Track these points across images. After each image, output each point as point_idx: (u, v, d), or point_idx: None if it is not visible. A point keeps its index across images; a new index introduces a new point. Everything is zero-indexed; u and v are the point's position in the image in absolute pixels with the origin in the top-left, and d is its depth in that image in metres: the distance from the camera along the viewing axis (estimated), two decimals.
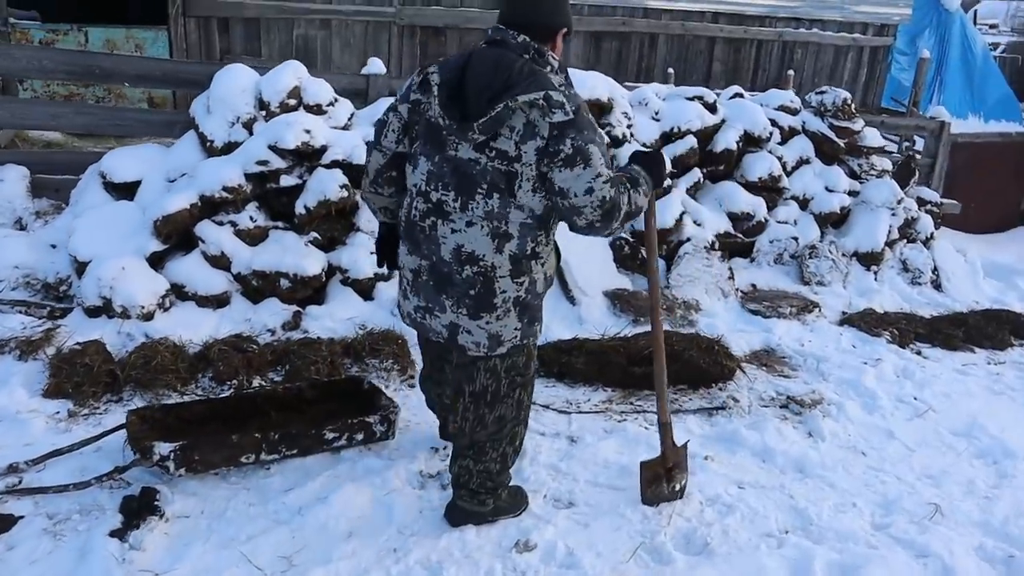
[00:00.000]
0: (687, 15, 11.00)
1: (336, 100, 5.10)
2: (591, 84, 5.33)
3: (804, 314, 5.07)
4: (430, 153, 2.59)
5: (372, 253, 3.73)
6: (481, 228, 2.54)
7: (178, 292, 4.35)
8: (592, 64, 11.02)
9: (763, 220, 5.68)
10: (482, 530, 2.91)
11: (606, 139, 2.76)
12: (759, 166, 5.71)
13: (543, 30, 2.59)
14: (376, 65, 5.60)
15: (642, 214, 2.86)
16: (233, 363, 3.79)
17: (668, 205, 5.31)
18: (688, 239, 5.26)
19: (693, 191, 5.62)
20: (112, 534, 2.73)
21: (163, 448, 2.97)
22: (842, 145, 5.95)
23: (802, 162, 5.95)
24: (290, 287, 4.43)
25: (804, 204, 5.92)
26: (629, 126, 5.53)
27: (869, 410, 4.06)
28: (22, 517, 2.82)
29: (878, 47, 11.53)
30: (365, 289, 4.66)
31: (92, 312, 4.12)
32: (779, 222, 5.77)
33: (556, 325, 4.56)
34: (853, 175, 6.06)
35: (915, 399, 4.23)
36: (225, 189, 4.41)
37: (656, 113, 5.67)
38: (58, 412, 3.43)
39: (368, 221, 4.78)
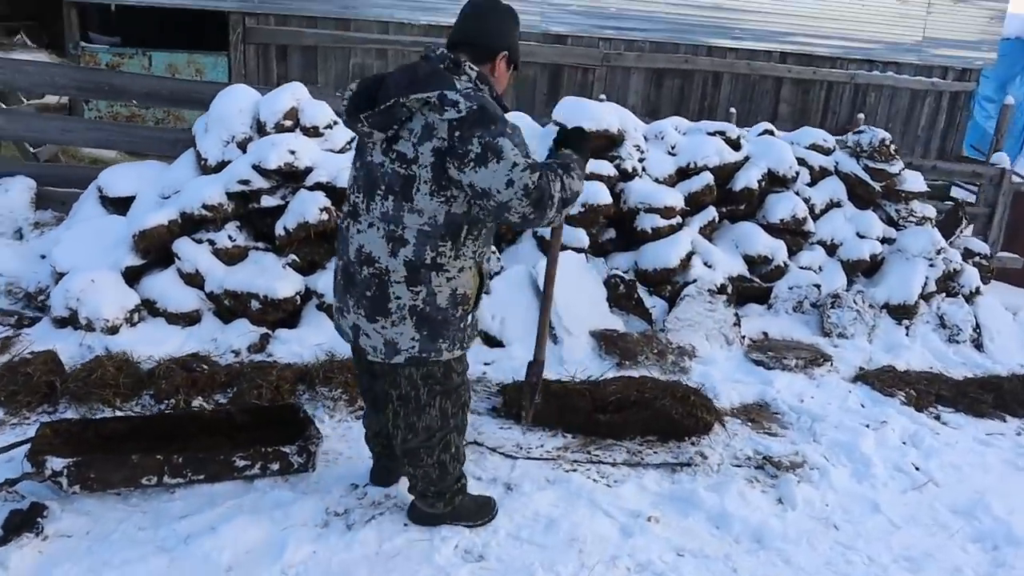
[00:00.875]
0: (753, 54, 10.64)
1: (336, 123, 5.05)
2: (599, 114, 5.11)
3: (812, 367, 4.63)
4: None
5: None
6: (378, 230, 2.58)
7: (150, 308, 4.34)
8: (653, 102, 10.82)
9: (783, 264, 5.28)
10: None
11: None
12: (782, 207, 5.33)
13: (480, 50, 2.61)
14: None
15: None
16: (175, 382, 3.70)
17: (675, 243, 5.00)
18: (694, 280, 4.92)
19: (708, 231, 5.29)
20: None
21: (56, 463, 2.88)
22: (877, 188, 5.50)
23: (832, 205, 5.54)
24: (260, 308, 4.36)
25: (832, 250, 5.49)
26: (641, 159, 5.27)
27: (858, 478, 3.62)
28: None
29: (958, 92, 10.83)
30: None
31: (59, 323, 4.15)
32: (801, 268, 5.36)
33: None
34: (890, 221, 5.58)
35: (916, 469, 3.76)
36: (205, 207, 4.41)
37: (672, 147, 5.39)
38: None
39: None
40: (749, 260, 5.28)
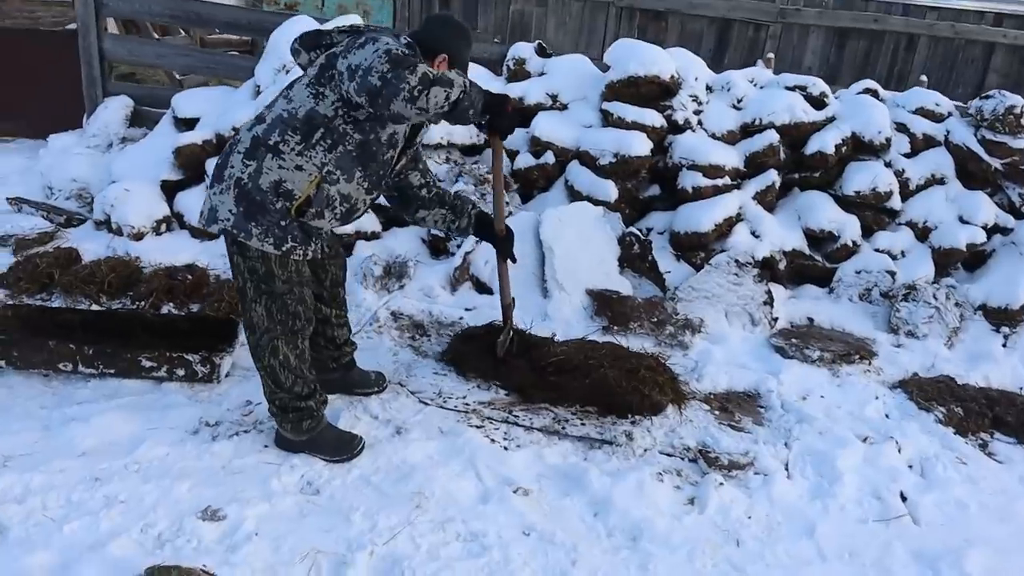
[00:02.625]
0: (959, 15, 9.07)
1: None
2: (651, 58, 4.64)
3: (841, 363, 3.95)
4: None
5: None
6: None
7: (179, 220, 4.66)
8: (833, 65, 9.67)
9: (851, 244, 4.52)
10: (182, 496, 2.71)
11: (420, 64, 2.48)
12: (860, 178, 4.55)
13: (422, 46, 2.71)
14: None
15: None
16: (153, 287, 3.95)
17: (712, 206, 4.47)
18: (726, 250, 4.37)
19: (767, 197, 4.64)
20: None
21: None
22: (997, 166, 4.49)
23: (933, 181, 4.63)
24: None
25: (923, 234, 4.60)
26: (698, 111, 4.73)
27: (812, 495, 3.05)
28: None
29: None
30: (345, 245, 4.57)
31: (97, 225, 4.58)
32: (877, 250, 4.55)
33: (518, 316, 4.07)
34: (1011, 208, 4.55)
35: (903, 499, 3.09)
36: (234, 129, 4.61)
37: (739, 101, 4.78)
38: None
39: None
40: (811, 235, 4.58)
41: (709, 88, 4.86)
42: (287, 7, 9.53)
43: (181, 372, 3.30)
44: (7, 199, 4.72)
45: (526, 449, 3.16)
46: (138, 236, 4.46)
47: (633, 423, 3.37)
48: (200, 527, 2.58)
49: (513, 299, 3.52)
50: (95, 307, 3.84)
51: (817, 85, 4.74)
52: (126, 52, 5.59)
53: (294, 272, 2.75)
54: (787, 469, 3.18)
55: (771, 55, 8.53)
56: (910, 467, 3.30)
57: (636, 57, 4.64)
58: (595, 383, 3.43)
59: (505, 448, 3.16)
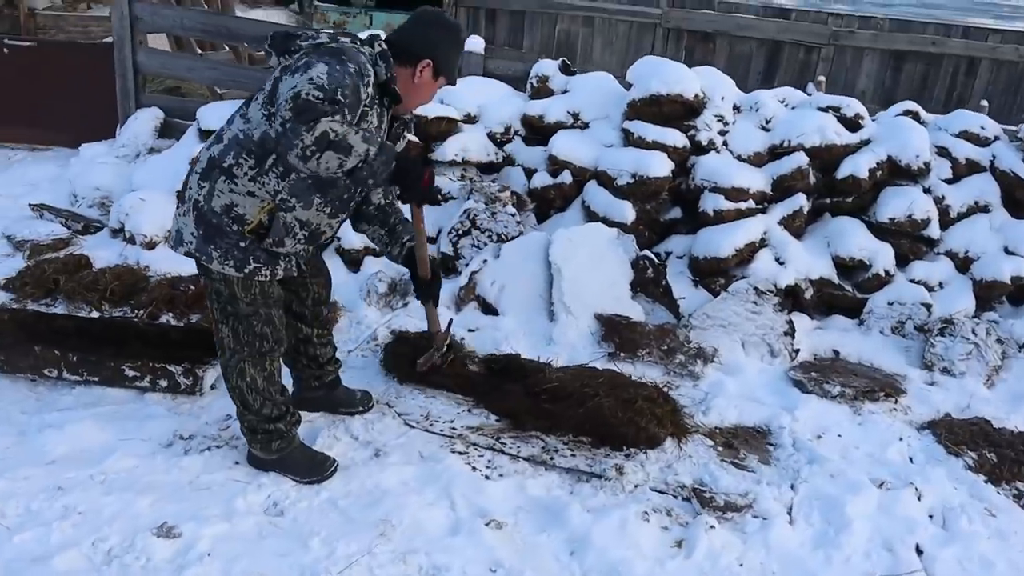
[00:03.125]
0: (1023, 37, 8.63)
1: None
2: (675, 76, 4.47)
3: (863, 401, 3.67)
4: None
5: None
6: (217, 131, 2.68)
7: None
8: (888, 89, 9.30)
9: (883, 273, 4.24)
10: (141, 510, 2.63)
11: (367, 76, 2.41)
12: (895, 204, 4.27)
13: (403, 50, 2.57)
14: (473, 43, 5.37)
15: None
16: (154, 296, 3.93)
17: (732, 231, 4.25)
18: (745, 276, 4.14)
19: (795, 223, 4.40)
20: None
21: None
22: None
23: (976, 208, 4.32)
24: None
25: (964, 265, 4.29)
26: (723, 132, 4.53)
27: (815, 544, 2.80)
28: None
29: None
30: (354, 260, 4.51)
31: (114, 233, 4.62)
32: (912, 281, 4.26)
33: (522, 340, 3.93)
34: None
35: (918, 552, 2.81)
36: None
37: (767, 121, 4.56)
38: None
39: (375, 193, 4.61)
40: (840, 263, 4.31)
41: (737, 108, 4.65)
42: (336, 25, 9.69)
43: (164, 383, 3.25)
44: (30, 205, 4.80)
45: (508, 479, 2.99)
46: (150, 245, 4.47)
47: (627, 456, 3.17)
48: (153, 544, 2.50)
49: (451, 321, 3.31)
50: (95, 314, 3.83)
51: (852, 106, 4.49)
52: (158, 65, 5.68)
53: (258, 294, 2.65)
54: (790, 513, 2.93)
55: (822, 78, 8.25)
56: (930, 517, 3.01)
57: (659, 75, 4.47)
58: (589, 412, 3.24)
59: (487, 477, 2.99)
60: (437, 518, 2.75)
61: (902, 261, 4.32)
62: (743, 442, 3.36)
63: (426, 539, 2.64)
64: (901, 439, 3.47)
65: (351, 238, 4.46)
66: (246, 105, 2.57)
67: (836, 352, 4.10)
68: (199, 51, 7.29)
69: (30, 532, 2.49)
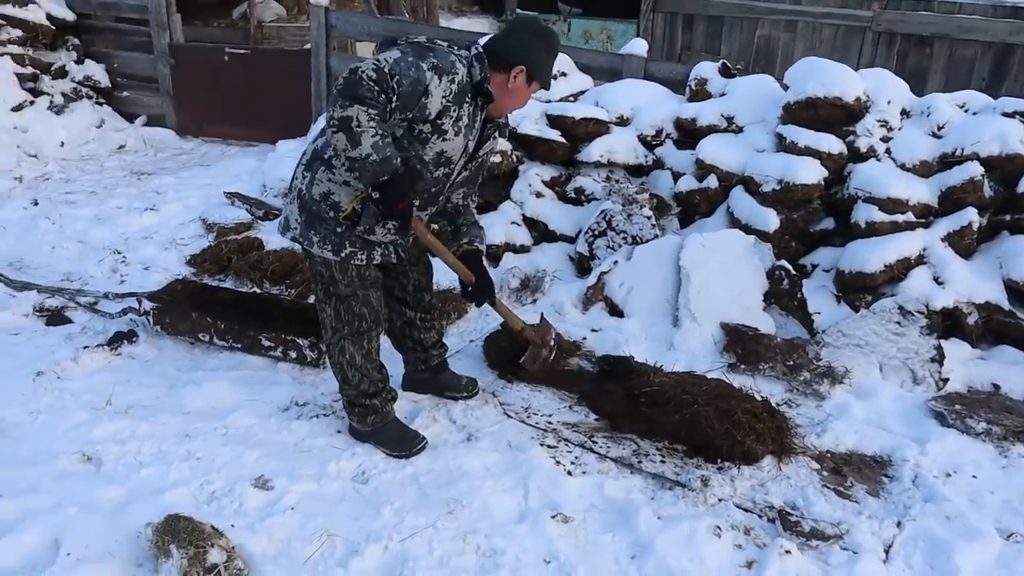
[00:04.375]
0: None
1: (563, 74, 5.12)
2: (833, 78, 4.19)
3: (1016, 443, 3.23)
4: None
5: None
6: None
7: None
8: None
9: None
10: (248, 462, 2.93)
11: (452, 73, 2.57)
12: None
13: (498, 58, 2.70)
14: (636, 45, 5.35)
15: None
16: (307, 277, 4.32)
17: (882, 245, 3.91)
18: (894, 295, 3.79)
19: (963, 240, 3.95)
20: (85, 347, 3.65)
21: (146, 304, 3.74)
22: None
23: None
24: None
25: None
26: (886, 139, 4.18)
27: None
28: (72, 322, 3.92)
29: None
30: (493, 255, 4.66)
31: None
32: None
33: (642, 344, 3.89)
34: None
35: None
36: None
37: (939, 128, 4.14)
38: (179, 273, 4.49)
39: (519, 191, 4.75)
40: (1013, 287, 3.82)
41: (906, 113, 4.26)
42: None
43: (293, 354, 3.58)
44: (224, 193, 5.45)
45: (589, 477, 2.99)
46: None
47: (720, 469, 3.04)
48: (249, 492, 2.78)
49: (543, 320, 3.44)
50: (256, 290, 4.29)
51: None
52: (342, 68, 6.20)
53: (355, 276, 2.84)
54: (886, 551, 2.67)
55: None
56: None
57: (816, 77, 4.21)
58: (686, 420, 3.15)
59: (568, 472, 3.01)
60: (507, 504, 2.81)
61: None
62: (855, 470, 3.10)
63: (491, 523, 2.71)
64: None
65: (492, 233, 4.62)
66: None
67: (996, 386, 3.64)
68: None
69: (154, 468, 2.87)
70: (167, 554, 2.35)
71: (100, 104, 7.45)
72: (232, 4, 9.10)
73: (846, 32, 9.32)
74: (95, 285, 4.38)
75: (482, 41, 2.81)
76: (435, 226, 3.23)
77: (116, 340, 3.71)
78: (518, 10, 10.53)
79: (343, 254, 2.78)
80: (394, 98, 2.47)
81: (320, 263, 2.85)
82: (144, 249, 4.83)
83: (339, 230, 2.76)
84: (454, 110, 2.63)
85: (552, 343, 3.47)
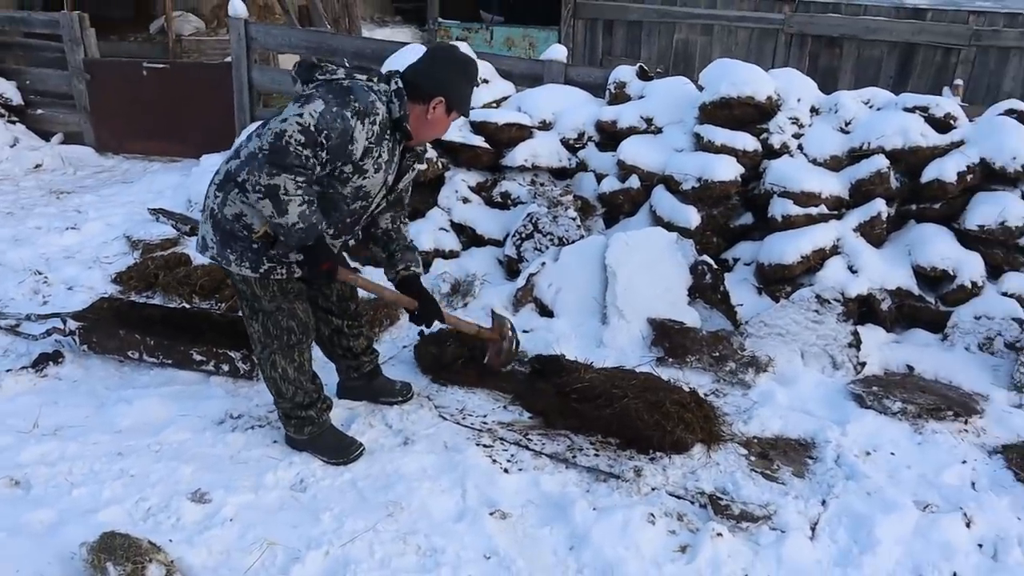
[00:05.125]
0: None
1: (485, 81, 5.18)
2: (745, 78, 4.37)
3: (929, 419, 3.42)
4: None
5: None
6: (238, 145, 2.87)
7: None
8: None
9: (969, 285, 3.93)
10: (183, 477, 2.90)
11: (373, 115, 2.59)
12: (985, 210, 3.96)
13: (417, 88, 2.71)
14: (556, 51, 5.47)
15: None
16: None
17: (797, 237, 4.09)
18: (812, 284, 3.97)
19: (873, 230, 4.16)
20: (8, 370, 3.54)
21: (71, 324, 3.65)
22: None
23: None
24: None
25: None
26: (798, 135, 4.38)
27: (833, 561, 2.67)
28: None
29: None
30: (425, 262, 4.68)
31: None
32: (1004, 294, 3.92)
33: (573, 342, 3.97)
34: None
35: None
36: None
37: (847, 124, 4.36)
38: (105, 291, 4.39)
39: (446, 197, 4.80)
40: (922, 273, 4.04)
41: (816, 110, 4.47)
42: (459, 40, 10.06)
43: (225, 367, 3.55)
44: (148, 209, 5.35)
45: (525, 474, 3.05)
46: None
47: (652, 460, 3.14)
48: (185, 507, 2.75)
49: (495, 316, 3.56)
50: (185, 305, 4.23)
51: (941, 105, 4.20)
52: (269, 81, 6.18)
53: (277, 291, 2.84)
54: (812, 529, 2.80)
55: (959, 82, 7.71)
56: (980, 547, 2.78)
57: (729, 77, 4.38)
58: (617, 414, 3.24)
59: (505, 470, 3.06)
60: (445, 504, 2.85)
61: (995, 273, 3.99)
62: (780, 453, 3.24)
63: (430, 523, 2.75)
64: (965, 462, 3.21)
65: (421, 240, 4.66)
66: (263, 126, 2.71)
67: (910, 367, 3.85)
68: None
69: (86, 488, 2.81)
70: (103, 572, 2.32)
71: (13, 123, 7.20)
72: (149, 19, 8.92)
73: (760, 35, 9.68)
74: (16, 307, 4.24)
75: (401, 68, 2.82)
76: (373, 250, 3.24)
77: (41, 361, 3.61)
78: (439, 19, 10.58)
79: (262, 270, 2.78)
80: (323, 154, 2.51)
81: (240, 281, 2.85)
82: (66, 269, 4.70)
83: (255, 247, 2.75)
84: (376, 150, 2.67)
85: (511, 334, 3.54)
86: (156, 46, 8.24)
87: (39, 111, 7.39)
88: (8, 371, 3.56)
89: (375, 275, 4.55)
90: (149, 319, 3.87)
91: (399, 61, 5.22)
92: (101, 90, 7.05)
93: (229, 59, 6.30)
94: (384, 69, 5.25)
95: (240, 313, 2.99)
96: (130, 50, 8.32)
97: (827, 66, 9.44)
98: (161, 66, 6.83)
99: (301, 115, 2.46)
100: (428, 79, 2.72)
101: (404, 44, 5.61)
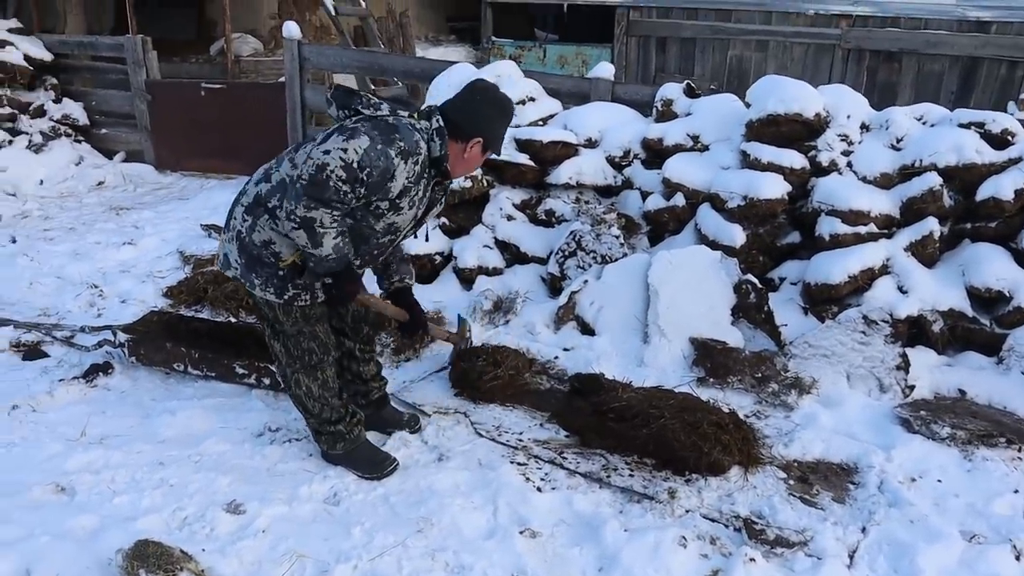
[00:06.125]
0: None
1: (532, 99, 5.21)
2: (793, 94, 4.29)
3: (980, 446, 3.28)
4: None
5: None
6: (268, 167, 2.86)
7: None
8: None
9: None
10: (220, 488, 2.95)
11: (416, 155, 2.62)
12: None
13: (457, 126, 2.73)
14: (603, 69, 5.47)
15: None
16: None
17: (845, 256, 3.99)
18: (859, 305, 3.87)
19: (925, 249, 4.03)
20: (61, 380, 3.67)
21: (121, 336, 3.77)
22: None
23: None
24: None
25: None
26: (847, 152, 4.28)
27: None
28: (48, 356, 3.95)
29: None
30: (468, 279, 4.72)
31: None
32: None
33: (614, 361, 3.93)
34: None
35: None
36: None
37: (898, 140, 4.24)
38: (156, 305, 4.52)
39: (490, 215, 4.82)
40: (976, 295, 3.90)
41: (866, 127, 4.37)
42: (511, 59, 10.16)
43: (267, 381, 3.61)
44: (201, 225, 5.51)
45: (559, 492, 3.03)
46: None
47: (687, 481, 3.09)
48: (220, 517, 2.81)
49: (461, 320, 3.79)
50: (231, 319, 4.33)
51: (999, 121, 4.06)
52: (321, 100, 6.30)
53: (299, 317, 2.87)
54: (851, 556, 2.71)
55: None
56: None
57: (776, 94, 4.32)
58: (654, 434, 3.20)
59: (538, 489, 3.05)
60: (476, 521, 2.85)
61: None
62: (821, 478, 3.15)
63: (460, 539, 2.75)
64: (1017, 491, 3.07)
65: (465, 257, 4.69)
66: (295, 150, 2.76)
67: (962, 392, 3.70)
68: (372, 88, 7.96)
69: (127, 496, 2.89)
70: None
71: (79, 142, 7.52)
72: (210, 40, 9.23)
73: (816, 50, 9.53)
74: (72, 319, 4.40)
75: (444, 97, 2.85)
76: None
77: (91, 372, 3.74)
78: (493, 37, 10.68)
79: (286, 296, 2.81)
80: (361, 190, 2.54)
81: (264, 304, 2.89)
82: (121, 282, 4.87)
83: (281, 274, 2.78)
84: (413, 189, 2.70)
85: (468, 335, 3.69)
86: (216, 67, 8.52)
87: (103, 131, 7.70)
88: (61, 381, 3.69)
89: (521, 272, 4.73)
90: (196, 332, 3.97)
91: (448, 80, 5.29)
92: (161, 110, 7.32)
93: (283, 79, 6.48)
94: (432, 88, 5.34)
95: (264, 332, 3.02)
96: (191, 71, 8.63)
97: (885, 82, 9.24)
98: (218, 86, 7.06)
99: (345, 150, 2.48)
100: (467, 118, 2.73)
101: (452, 63, 5.67)
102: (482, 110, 2.76)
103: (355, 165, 2.48)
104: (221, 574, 2.53)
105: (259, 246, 2.77)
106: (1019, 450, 3.30)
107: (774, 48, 9.71)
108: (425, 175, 2.73)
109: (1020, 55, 8.44)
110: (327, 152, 2.48)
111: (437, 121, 2.72)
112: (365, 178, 2.51)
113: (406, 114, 2.71)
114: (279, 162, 2.80)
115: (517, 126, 5.01)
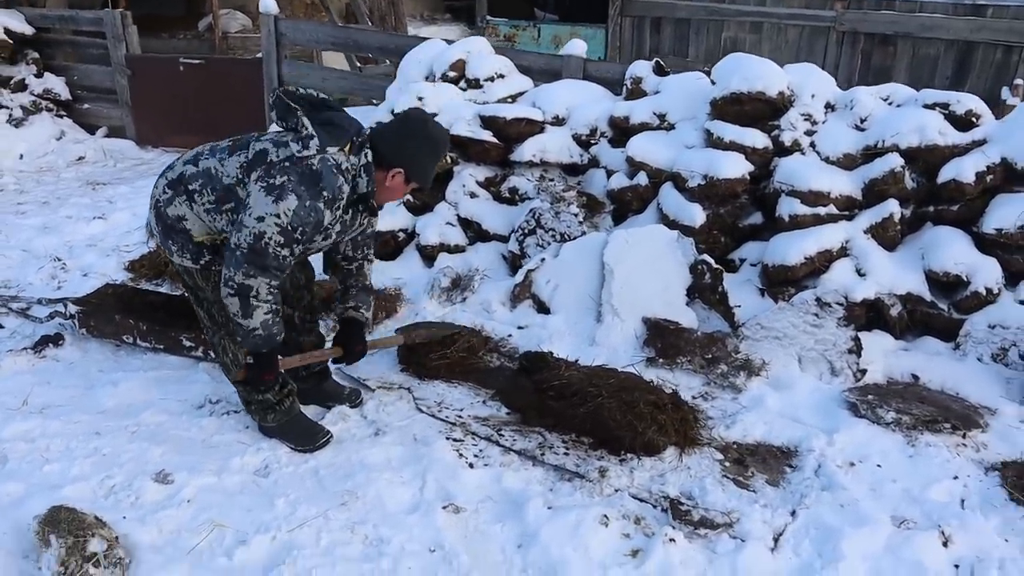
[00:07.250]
0: None
1: (501, 76, 5.16)
2: (755, 73, 4.23)
3: (924, 431, 3.24)
4: None
5: None
6: (200, 154, 2.86)
7: None
8: None
9: (984, 292, 3.71)
10: (152, 458, 2.96)
11: (339, 200, 2.70)
12: (1006, 213, 3.74)
13: (382, 155, 2.77)
14: (575, 46, 5.40)
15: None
16: None
17: (802, 238, 3.94)
18: (816, 287, 3.82)
19: (885, 232, 3.98)
20: (10, 351, 3.69)
21: (71, 308, 3.77)
22: None
23: None
24: None
25: None
26: (811, 132, 4.22)
27: (792, 573, 2.55)
28: (2, 327, 3.96)
29: None
30: (430, 256, 4.70)
31: None
32: (1021, 302, 3.69)
33: (566, 340, 3.91)
34: None
35: None
36: None
37: (862, 121, 4.17)
38: (116, 279, 4.52)
39: (453, 192, 4.79)
40: (934, 279, 3.84)
41: (831, 107, 4.30)
42: (506, 38, 10.10)
43: (213, 354, 3.60)
44: None
45: (490, 469, 3.01)
46: None
47: (621, 461, 3.06)
48: (147, 486, 2.82)
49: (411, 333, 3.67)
50: (167, 292, 4.32)
51: (963, 102, 3.98)
52: (298, 76, 6.27)
53: (218, 281, 2.83)
54: (775, 539, 2.68)
55: (1020, 81, 7.34)
56: (956, 567, 2.61)
57: (740, 72, 4.25)
58: (590, 413, 3.18)
59: (470, 465, 3.03)
60: (401, 496, 2.84)
61: (1013, 279, 3.76)
62: (759, 460, 3.12)
63: (382, 513, 2.74)
64: (956, 478, 3.03)
65: (427, 234, 4.66)
66: (227, 151, 2.77)
67: (915, 376, 3.66)
68: (359, 65, 7.91)
69: (58, 465, 2.91)
70: (47, 544, 2.38)
71: (60, 116, 7.53)
72: (199, 16, 9.19)
73: (811, 32, 9.37)
74: (32, 292, 4.42)
75: (372, 123, 2.87)
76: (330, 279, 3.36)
77: (41, 344, 3.75)
78: (488, 16, 10.59)
79: (202, 262, 2.84)
80: (299, 249, 2.66)
81: (183, 271, 2.91)
82: (86, 256, 4.87)
83: (176, 231, 2.81)
84: (343, 217, 2.79)
85: (413, 333, 3.65)
86: (204, 43, 8.49)
87: (85, 106, 7.70)
88: (10, 351, 3.71)
89: (483, 250, 4.67)
90: (151, 305, 3.97)
91: (418, 57, 5.25)
92: (141, 85, 7.31)
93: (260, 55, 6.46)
94: (403, 64, 5.29)
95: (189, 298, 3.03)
96: (178, 47, 8.60)
97: (880, 65, 9.08)
98: (197, 62, 7.04)
99: (278, 215, 2.55)
100: (392, 148, 2.77)
101: (425, 39, 5.62)
102: (408, 142, 2.79)
103: (289, 228, 2.58)
104: (136, 541, 2.53)
105: (173, 219, 2.80)
106: (964, 436, 3.25)
107: (768, 30, 9.56)
108: (354, 206, 2.82)
109: (1016, 40, 8.27)
110: (261, 219, 2.56)
111: (366, 156, 2.74)
112: (299, 237, 2.62)
113: (335, 149, 2.68)
114: (211, 152, 2.80)
115: (485, 103, 4.97)
